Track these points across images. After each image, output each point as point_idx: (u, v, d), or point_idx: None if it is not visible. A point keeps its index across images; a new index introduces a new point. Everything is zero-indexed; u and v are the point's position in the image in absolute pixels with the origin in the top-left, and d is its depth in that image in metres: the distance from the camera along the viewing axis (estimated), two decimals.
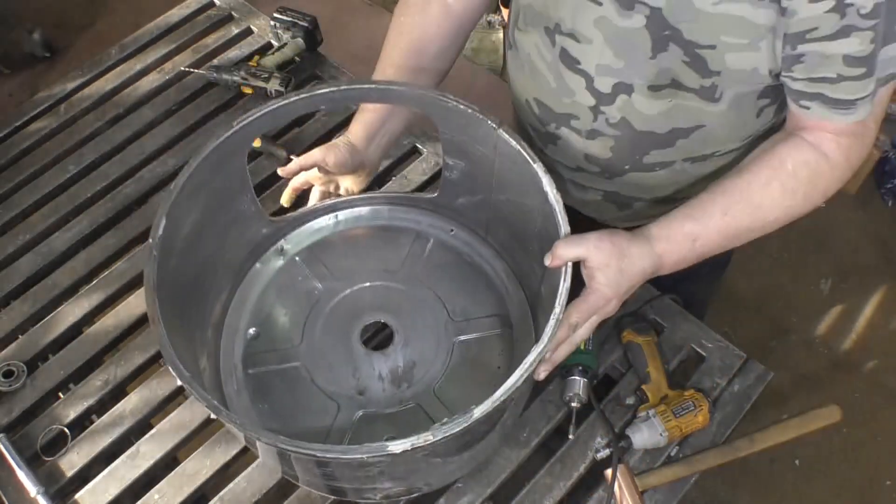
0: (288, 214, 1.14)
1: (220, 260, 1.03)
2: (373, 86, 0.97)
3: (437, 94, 0.95)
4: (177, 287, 0.90)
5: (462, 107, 0.94)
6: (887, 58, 0.77)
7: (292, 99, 0.95)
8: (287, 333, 1.05)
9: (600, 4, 0.85)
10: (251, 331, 1.06)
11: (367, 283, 1.09)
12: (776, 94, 0.91)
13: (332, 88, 0.95)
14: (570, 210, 0.89)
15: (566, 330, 0.85)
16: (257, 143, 1.29)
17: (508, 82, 1.12)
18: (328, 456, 0.73)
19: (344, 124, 1.29)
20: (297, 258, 1.12)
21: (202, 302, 1.01)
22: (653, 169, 1.00)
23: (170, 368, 0.80)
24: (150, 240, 0.84)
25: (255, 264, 1.11)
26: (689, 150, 0.97)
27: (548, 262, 0.86)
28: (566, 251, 0.84)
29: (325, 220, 1.15)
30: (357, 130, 1.07)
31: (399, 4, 1.09)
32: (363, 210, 1.16)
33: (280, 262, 1.12)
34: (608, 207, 1.12)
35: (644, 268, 0.87)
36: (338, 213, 1.15)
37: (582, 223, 1.01)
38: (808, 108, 0.84)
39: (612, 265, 0.85)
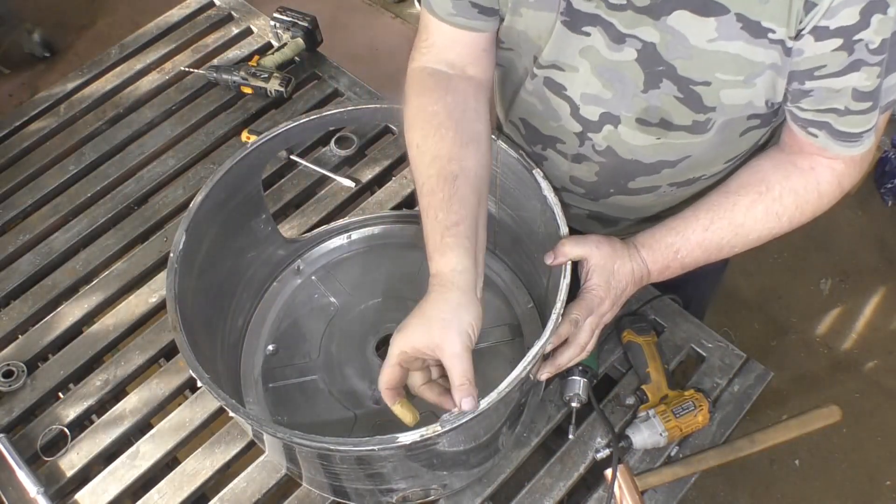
0: (303, 235, 1.17)
1: (240, 279, 1.07)
2: (378, 106, 1.01)
3: None
4: (198, 301, 0.93)
5: None
6: (888, 86, 0.77)
7: (303, 120, 0.99)
8: (305, 348, 1.08)
9: (588, 35, 0.84)
10: (270, 347, 1.09)
11: (381, 298, 1.11)
12: (765, 116, 0.90)
13: (339, 110, 1.00)
14: None
15: (568, 326, 0.86)
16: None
17: (495, 101, 1.11)
18: (341, 448, 0.75)
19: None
20: (313, 277, 1.15)
21: (223, 318, 1.04)
22: (638, 193, 1.01)
23: (190, 371, 0.80)
24: (172, 254, 0.88)
25: (273, 283, 1.14)
26: (674, 177, 0.98)
27: (549, 260, 0.88)
28: (570, 249, 0.87)
29: (340, 241, 1.18)
30: (460, 275, 0.80)
31: (414, 93, 0.92)
32: (375, 229, 1.19)
33: (297, 280, 1.15)
34: (593, 224, 1.13)
35: (632, 270, 0.89)
36: (351, 233, 1.19)
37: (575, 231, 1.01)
38: (815, 136, 0.83)
39: (607, 266, 0.88)
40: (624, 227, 1.12)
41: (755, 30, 0.74)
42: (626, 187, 1.00)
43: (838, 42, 0.72)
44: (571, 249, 0.87)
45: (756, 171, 0.89)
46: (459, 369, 0.75)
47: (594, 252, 0.87)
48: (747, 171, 0.90)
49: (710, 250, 0.90)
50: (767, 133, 0.95)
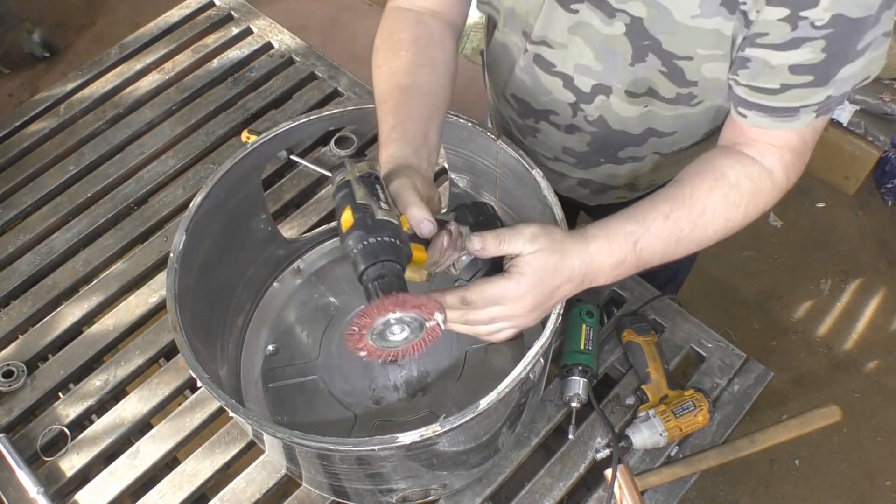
0: (303, 235, 1.17)
1: (239, 278, 1.07)
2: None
3: None
4: (198, 301, 0.93)
5: (462, 121, 0.97)
6: (848, 75, 0.76)
7: (303, 120, 0.99)
8: (305, 348, 1.08)
9: (576, 12, 0.86)
10: (270, 347, 1.09)
11: None
12: None
13: (339, 110, 1.00)
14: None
15: (454, 297, 0.75)
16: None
17: (486, 76, 1.13)
18: (340, 448, 0.75)
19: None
20: (313, 277, 1.15)
21: (223, 318, 1.04)
22: (625, 162, 1.04)
23: (190, 371, 0.80)
24: (172, 254, 0.88)
25: (274, 283, 1.14)
26: (659, 147, 1.00)
27: (476, 246, 0.75)
28: (497, 246, 0.75)
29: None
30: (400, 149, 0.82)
31: (385, 24, 0.96)
32: None
33: (297, 280, 1.15)
34: (582, 191, 1.16)
35: (574, 267, 0.77)
36: None
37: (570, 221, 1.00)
38: (744, 116, 0.83)
39: (540, 260, 0.76)
40: (611, 193, 1.14)
41: (731, 5, 0.76)
42: (615, 156, 1.03)
43: (785, 12, 0.72)
44: (504, 246, 0.75)
45: (707, 161, 0.86)
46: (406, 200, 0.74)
47: (527, 245, 0.75)
48: (698, 162, 0.87)
49: (669, 243, 0.82)
50: None
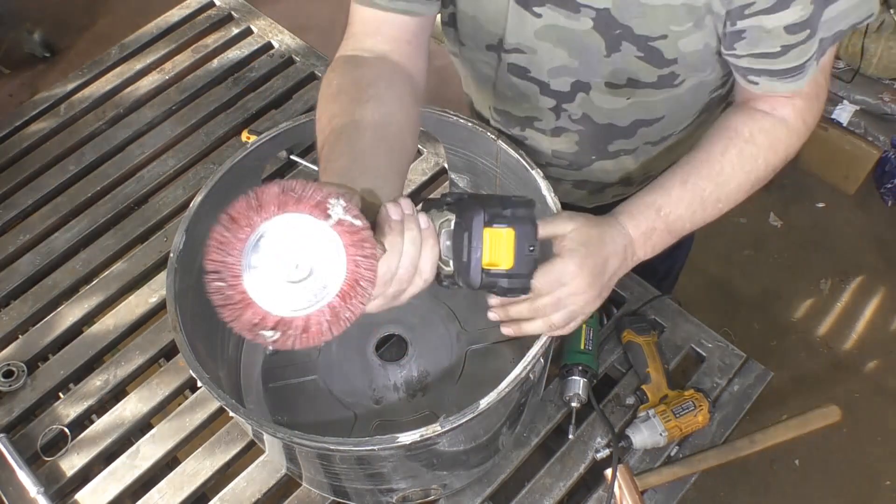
0: None
1: None
2: None
3: (438, 110, 0.98)
4: (198, 301, 0.92)
5: (462, 121, 0.97)
6: (833, 15, 0.77)
7: (303, 120, 0.98)
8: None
9: (539, 16, 0.86)
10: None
11: None
12: (726, 82, 0.93)
13: None
14: None
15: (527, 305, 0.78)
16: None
17: (469, 100, 1.13)
18: (341, 448, 0.75)
19: None
20: None
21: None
22: (617, 155, 1.04)
23: (190, 371, 0.80)
24: (172, 254, 0.88)
25: None
26: (648, 136, 1.00)
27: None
28: (541, 230, 0.76)
29: None
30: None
31: (326, 75, 0.87)
32: None
33: None
34: (579, 193, 1.16)
35: (615, 238, 0.80)
36: None
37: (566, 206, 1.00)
38: (756, 83, 0.85)
39: (583, 233, 0.78)
40: (608, 192, 1.14)
41: None
42: (606, 151, 1.03)
43: None
44: (542, 230, 0.76)
45: (720, 123, 0.88)
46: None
47: (567, 224, 0.78)
48: (713, 126, 0.89)
49: (693, 205, 0.84)
50: (728, 85, 0.97)
